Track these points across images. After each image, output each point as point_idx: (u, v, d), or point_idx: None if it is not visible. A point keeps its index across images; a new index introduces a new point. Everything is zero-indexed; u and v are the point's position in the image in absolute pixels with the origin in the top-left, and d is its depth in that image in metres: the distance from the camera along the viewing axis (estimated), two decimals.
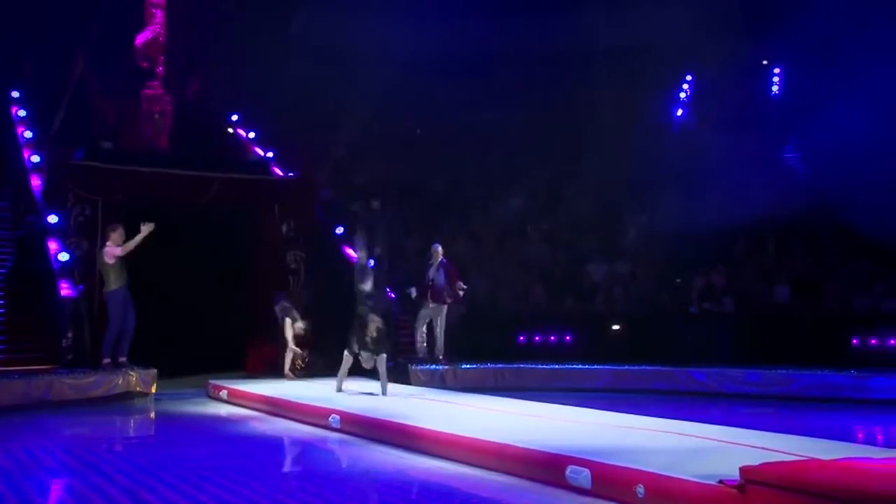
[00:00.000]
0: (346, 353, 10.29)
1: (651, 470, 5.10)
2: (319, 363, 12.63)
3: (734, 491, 4.50)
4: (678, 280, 14.70)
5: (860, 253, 14.42)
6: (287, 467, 7.50)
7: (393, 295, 13.98)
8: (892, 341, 12.75)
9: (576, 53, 17.84)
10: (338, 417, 8.49)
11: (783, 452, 5.13)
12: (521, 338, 14.78)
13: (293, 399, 9.74)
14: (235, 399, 10.91)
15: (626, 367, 12.95)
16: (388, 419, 7.90)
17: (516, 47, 18.36)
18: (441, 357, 13.05)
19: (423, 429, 7.29)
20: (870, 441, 8.59)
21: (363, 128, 17.40)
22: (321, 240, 14.91)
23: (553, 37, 17.60)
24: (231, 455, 7.39)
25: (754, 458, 4.83)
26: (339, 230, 15.04)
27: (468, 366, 13.08)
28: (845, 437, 7.90)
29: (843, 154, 15.36)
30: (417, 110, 18.80)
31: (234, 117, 17.12)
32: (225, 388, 11.27)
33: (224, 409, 10.59)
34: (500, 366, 13.24)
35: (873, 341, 12.90)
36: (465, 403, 9.18)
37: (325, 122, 18.03)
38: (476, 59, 18.40)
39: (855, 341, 12.99)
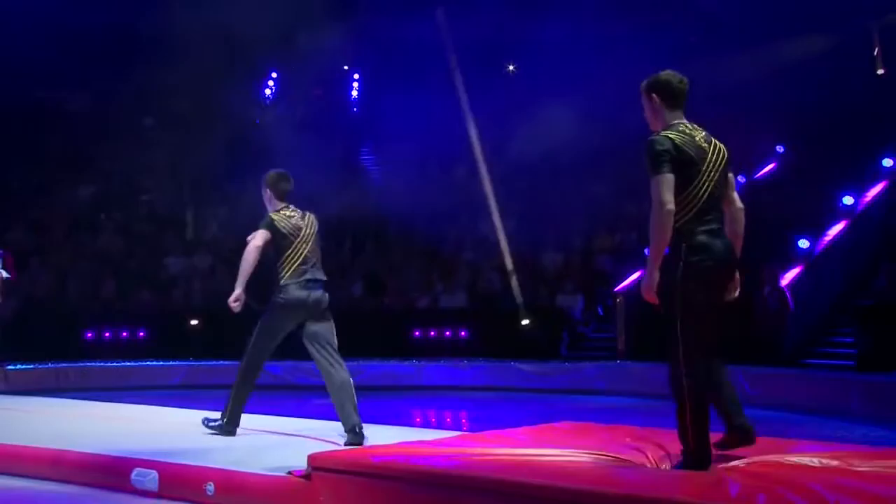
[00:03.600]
0: None
1: (220, 466, 5.05)
2: None
3: (301, 480, 4.62)
4: None
5: (420, 255, 15.72)
6: None
7: None
8: (448, 333, 14.12)
9: (154, 35, 16.85)
10: None
11: None
12: (89, 334, 13.82)
13: None
14: None
15: (202, 362, 12.73)
16: None
17: (91, 19, 16.79)
18: None
19: None
20: (425, 424, 9.41)
21: None
22: None
23: (133, 13, 16.37)
24: None
25: (324, 448, 5.01)
26: None
27: (22, 366, 11.87)
28: (405, 421, 8.58)
29: (410, 163, 16.58)
30: None
31: None
32: None
33: None
34: (63, 365, 12.23)
35: (432, 333, 14.17)
36: (15, 408, 8.29)
37: None
38: (41, 31, 16.52)
39: (416, 333, 14.15)
